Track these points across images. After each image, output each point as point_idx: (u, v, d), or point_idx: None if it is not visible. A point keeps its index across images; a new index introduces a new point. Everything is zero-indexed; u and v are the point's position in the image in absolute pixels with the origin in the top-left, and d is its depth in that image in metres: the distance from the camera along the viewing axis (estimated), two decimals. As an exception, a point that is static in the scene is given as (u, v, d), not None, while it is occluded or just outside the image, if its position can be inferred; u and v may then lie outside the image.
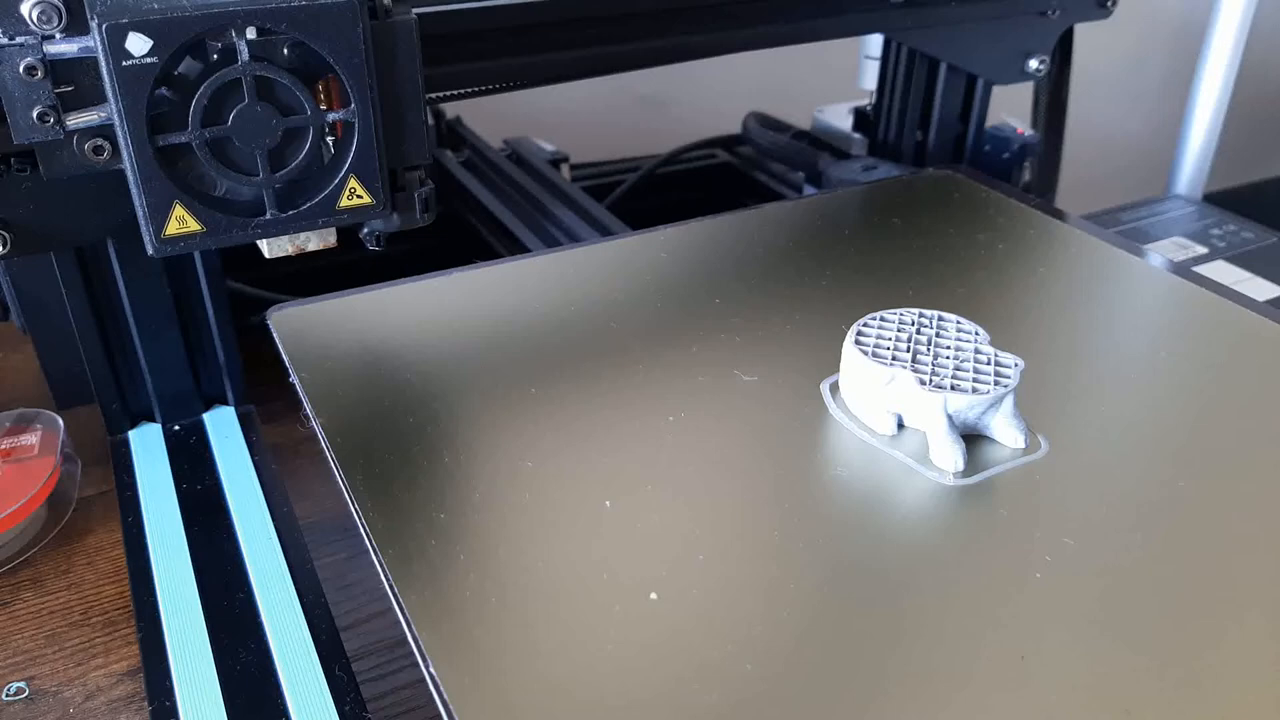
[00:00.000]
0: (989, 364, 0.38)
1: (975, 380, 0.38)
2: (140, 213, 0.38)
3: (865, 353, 0.39)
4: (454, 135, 0.79)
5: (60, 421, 0.50)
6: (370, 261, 0.50)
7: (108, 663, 0.40)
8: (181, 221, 0.38)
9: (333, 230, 0.43)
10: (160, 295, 0.49)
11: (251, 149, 0.38)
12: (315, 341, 0.44)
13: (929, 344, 0.39)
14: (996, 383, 0.38)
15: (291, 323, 0.45)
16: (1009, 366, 0.38)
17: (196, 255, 0.49)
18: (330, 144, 0.40)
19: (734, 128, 0.83)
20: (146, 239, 0.38)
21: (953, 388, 0.37)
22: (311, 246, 0.43)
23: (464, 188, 0.70)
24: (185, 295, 0.50)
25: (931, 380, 0.37)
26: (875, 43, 0.72)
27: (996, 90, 0.70)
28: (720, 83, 1.01)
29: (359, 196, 0.41)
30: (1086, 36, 0.75)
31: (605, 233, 0.61)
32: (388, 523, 0.34)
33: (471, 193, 0.69)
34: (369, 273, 0.51)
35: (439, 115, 0.78)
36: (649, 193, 0.79)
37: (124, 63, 0.35)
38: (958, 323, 0.41)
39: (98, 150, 0.38)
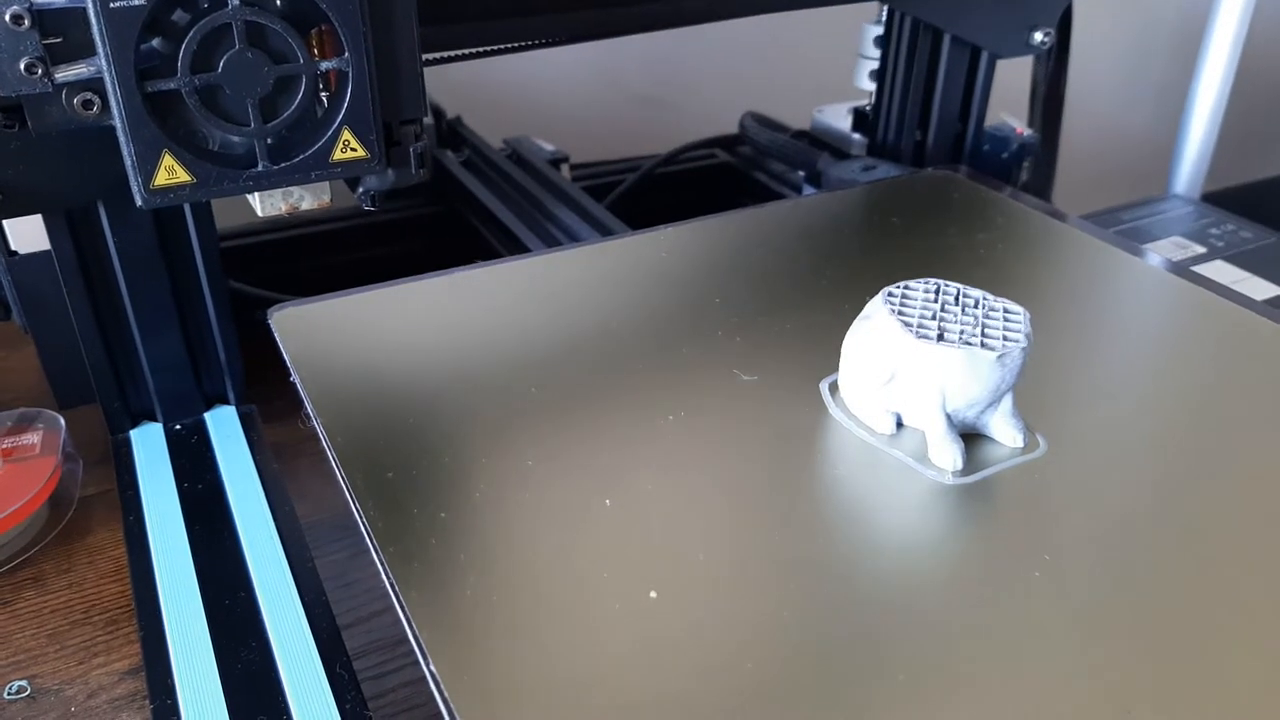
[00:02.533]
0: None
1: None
2: (128, 162, 0.37)
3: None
4: (454, 135, 0.79)
5: (61, 421, 0.50)
6: (370, 261, 0.50)
7: (109, 661, 0.41)
8: (171, 172, 0.37)
9: (326, 188, 0.42)
10: (161, 294, 0.49)
11: (243, 97, 0.37)
12: (316, 341, 0.44)
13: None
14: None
15: (292, 322, 0.45)
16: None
17: (198, 254, 0.49)
18: (324, 100, 0.39)
19: (733, 128, 0.83)
20: (135, 189, 0.37)
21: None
22: (305, 205, 0.42)
23: (464, 187, 0.70)
24: (186, 294, 0.50)
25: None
26: (874, 42, 0.72)
27: (996, 90, 0.70)
28: (720, 83, 1.01)
29: (353, 149, 0.40)
30: (1086, 36, 0.75)
31: (605, 232, 0.61)
32: (388, 521, 0.34)
33: (471, 192, 0.69)
34: (369, 273, 0.51)
35: (439, 115, 0.78)
36: (649, 192, 0.79)
37: (111, 4, 0.34)
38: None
39: (87, 105, 0.37)
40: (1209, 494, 0.36)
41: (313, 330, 0.45)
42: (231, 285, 0.57)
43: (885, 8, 0.70)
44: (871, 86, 0.73)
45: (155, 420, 0.52)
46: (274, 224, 0.70)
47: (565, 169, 0.75)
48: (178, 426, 0.52)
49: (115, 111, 0.36)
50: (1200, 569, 0.33)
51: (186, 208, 0.48)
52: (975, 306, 0.39)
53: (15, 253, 0.50)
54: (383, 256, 0.71)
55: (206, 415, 0.53)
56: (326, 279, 0.51)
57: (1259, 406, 0.41)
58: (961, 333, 0.37)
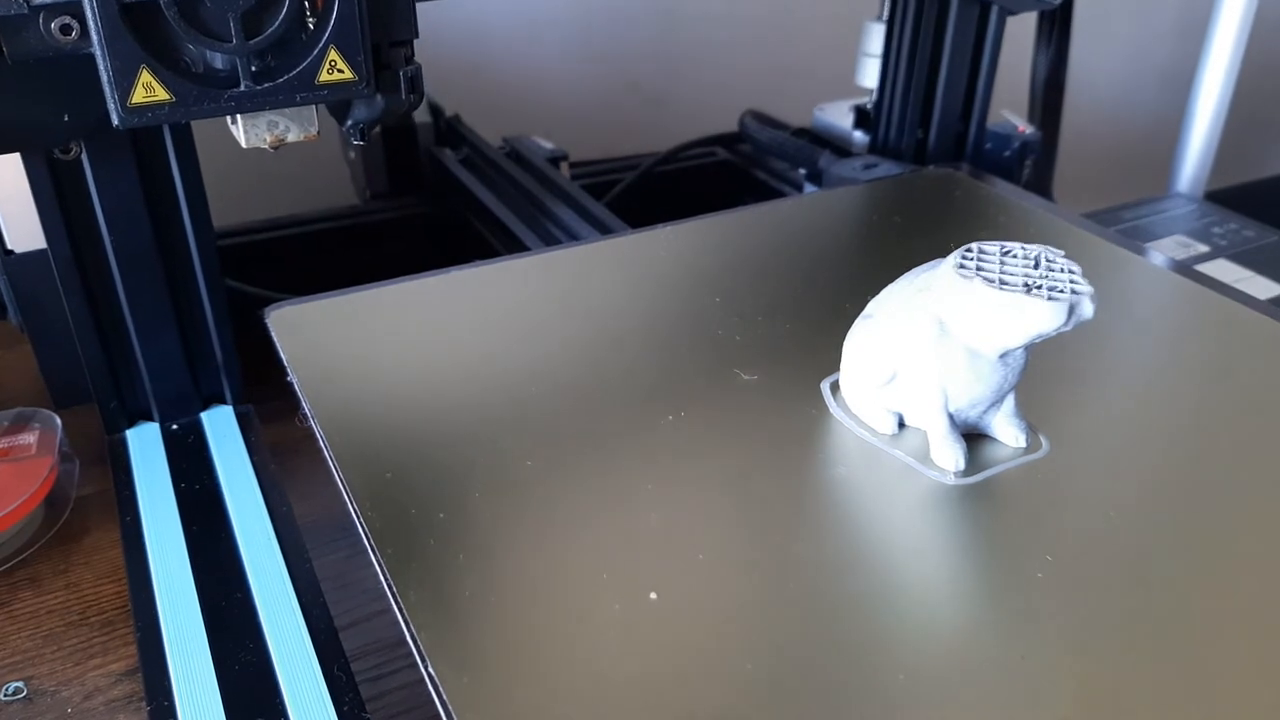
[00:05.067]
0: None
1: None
2: (105, 77, 0.36)
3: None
4: (453, 133, 0.78)
5: (58, 420, 0.50)
6: (368, 261, 0.50)
7: (106, 662, 0.40)
8: (149, 89, 0.36)
9: (314, 119, 0.41)
10: (158, 293, 0.49)
11: (224, 11, 0.36)
12: (313, 340, 0.44)
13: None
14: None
15: (289, 321, 0.45)
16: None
17: (194, 252, 0.49)
18: (311, 25, 0.38)
19: (733, 125, 0.83)
20: (112, 109, 0.36)
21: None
22: (291, 137, 0.41)
23: (463, 186, 0.70)
24: (183, 293, 0.50)
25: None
26: (875, 39, 0.72)
27: (997, 91, 0.70)
28: (720, 80, 1.00)
29: (340, 71, 0.38)
30: (1088, 34, 0.74)
31: (604, 231, 0.60)
32: (386, 522, 0.34)
33: (470, 191, 0.69)
34: (367, 272, 0.51)
35: (437, 112, 0.78)
36: (648, 191, 0.79)
37: None
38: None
39: (65, 29, 0.36)
40: (1212, 494, 0.36)
41: (310, 330, 0.45)
42: (229, 284, 0.57)
43: (888, 1, 0.69)
44: (873, 84, 0.73)
45: (152, 420, 0.52)
46: (272, 223, 0.69)
47: (564, 167, 0.74)
48: (174, 426, 0.52)
49: (92, 24, 0.35)
50: (1203, 569, 0.33)
51: (183, 205, 0.47)
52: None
53: (11, 251, 0.50)
54: (380, 255, 0.71)
55: (203, 415, 0.52)
56: (324, 278, 0.50)
57: (1262, 405, 0.40)
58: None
